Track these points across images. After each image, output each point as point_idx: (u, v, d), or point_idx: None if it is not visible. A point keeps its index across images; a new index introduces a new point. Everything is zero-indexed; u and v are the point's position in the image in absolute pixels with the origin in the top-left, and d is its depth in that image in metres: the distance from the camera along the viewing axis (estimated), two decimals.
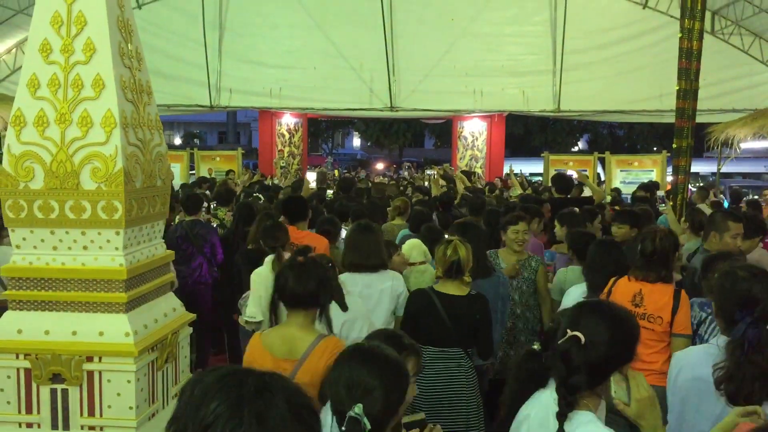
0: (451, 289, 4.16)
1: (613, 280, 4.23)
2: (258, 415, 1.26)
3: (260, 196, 9.30)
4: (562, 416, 2.14)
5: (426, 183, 14.79)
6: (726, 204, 12.02)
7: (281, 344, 3.15)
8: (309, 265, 3.18)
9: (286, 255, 4.26)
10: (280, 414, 1.27)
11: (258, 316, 4.66)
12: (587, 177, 11.50)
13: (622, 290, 4.11)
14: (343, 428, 1.93)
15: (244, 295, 5.14)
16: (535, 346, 2.39)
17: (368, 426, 1.94)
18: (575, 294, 4.56)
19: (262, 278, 4.72)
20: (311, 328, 3.19)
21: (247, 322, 4.79)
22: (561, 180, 8.64)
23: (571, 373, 2.16)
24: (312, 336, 3.14)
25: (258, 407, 1.27)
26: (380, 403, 2.04)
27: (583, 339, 2.16)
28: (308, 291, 3.12)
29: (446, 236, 4.95)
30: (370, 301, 4.39)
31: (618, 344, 2.20)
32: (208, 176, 16.08)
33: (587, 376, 2.15)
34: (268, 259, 4.83)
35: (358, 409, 1.95)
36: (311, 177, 14.52)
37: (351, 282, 4.25)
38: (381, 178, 21.45)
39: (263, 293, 4.52)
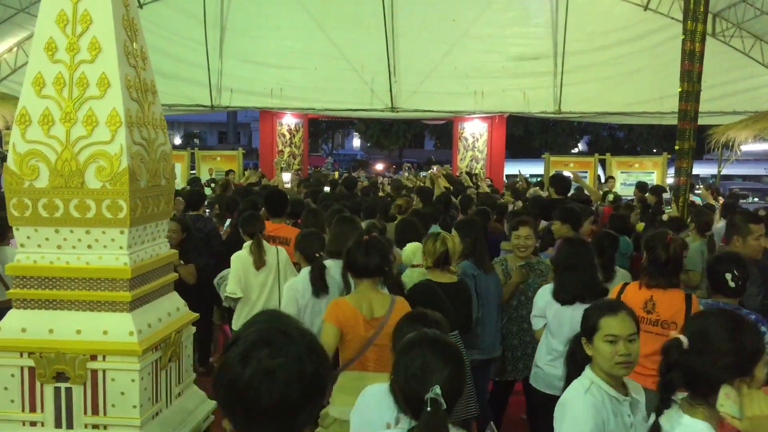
0: (442, 277, 4.48)
1: (621, 286, 4.20)
2: None
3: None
4: (659, 411, 2.24)
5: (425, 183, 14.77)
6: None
7: (366, 306, 3.71)
8: (374, 242, 3.81)
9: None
10: None
11: (238, 292, 5.35)
12: (583, 178, 11.50)
13: (632, 297, 4.05)
14: (427, 408, 2.04)
15: (219, 275, 5.82)
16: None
17: (445, 406, 2.05)
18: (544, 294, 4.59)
19: (241, 260, 5.40)
20: (382, 292, 3.81)
21: (227, 297, 5.42)
22: (559, 181, 8.59)
23: (669, 371, 2.23)
24: (386, 298, 3.78)
25: None
26: (453, 386, 2.14)
27: (685, 343, 2.21)
28: (375, 263, 3.74)
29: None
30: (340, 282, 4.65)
31: (732, 355, 2.16)
32: (209, 176, 16.09)
33: (691, 380, 2.20)
34: (247, 244, 5.45)
35: (437, 389, 2.05)
36: (286, 177, 14.64)
37: (333, 267, 4.50)
38: (381, 179, 21.41)
39: (242, 273, 5.32)
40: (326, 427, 3.29)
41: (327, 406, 3.26)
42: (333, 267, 4.54)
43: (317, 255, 4.56)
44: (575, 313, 4.19)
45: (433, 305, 3.93)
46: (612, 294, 4.18)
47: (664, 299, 3.96)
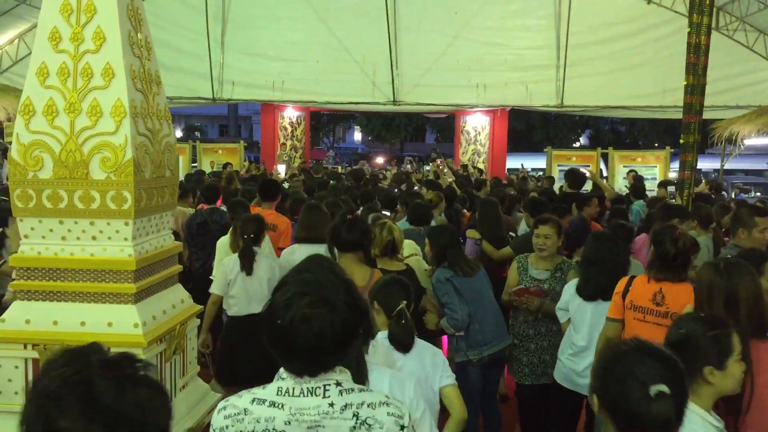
0: (391, 265, 4.57)
1: (628, 279, 4.18)
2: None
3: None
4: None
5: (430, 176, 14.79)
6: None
7: (355, 274, 3.88)
8: (356, 221, 4.28)
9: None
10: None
11: (217, 290, 5.24)
12: (595, 174, 11.64)
13: (640, 290, 4.05)
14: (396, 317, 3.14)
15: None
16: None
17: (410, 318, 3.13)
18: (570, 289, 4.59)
19: (223, 244, 5.74)
20: (362, 264, 4.17)
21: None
22: (574, 176, 8.91)
23: None
24: (367, 270, 4.14)
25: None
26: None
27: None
28: (355, 238, 4.16)
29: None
30: None
31: None
32: (210, 168, 16.07)
33: None
34: (231, 230, 5.66)
35: (403, 304, 3.18)
36: (281, 168, 14.94)
37: (299, 251, 5.00)
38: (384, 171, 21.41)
39: (223, 256, 5.45)
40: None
41: None
42: (298, 251, 5.01)
43: (245, 237, 4.97)
44: (597, 309, 4.30)
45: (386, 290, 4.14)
46: (620, 287, 4.14)
47: (673, 292, 3.94)
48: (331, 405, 1.88)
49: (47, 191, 3.25)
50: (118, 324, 3.22)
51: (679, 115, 8.50)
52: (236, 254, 5.00)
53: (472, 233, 6.83)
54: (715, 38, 12.65)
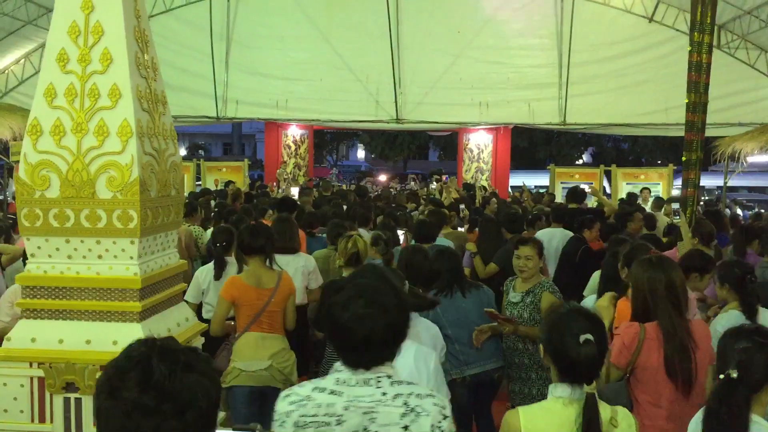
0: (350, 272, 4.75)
1: (612, 298, 4.12)
2: None
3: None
4: None
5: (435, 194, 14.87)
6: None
7: (255, 280, 4.47)
8: (260, 227, 4.73)
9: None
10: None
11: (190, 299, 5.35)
12: (597, 191, 12.13)
13: (627, 310, 3.90)
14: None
15: None
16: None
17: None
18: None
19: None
20: (270, 269, 4.59)
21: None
22: (574, 193, 9.63)
23: None
24: (274, 273, 4.57)
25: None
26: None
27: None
28: (259, 243, 4.52)
29: None
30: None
31: None
32: (215, 187, 16.13)
33: None
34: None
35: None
36: (294, 191, 15.09)
37: (280, 261, 5.16)
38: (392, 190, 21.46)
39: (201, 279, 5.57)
40: (235, 376, 4.24)
41: (234, 362, 4.27)
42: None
43: (217, 245, 5.48)
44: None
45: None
46: (609, 311, 3.98)
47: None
48: (384, 394, 2.13)
49: (54, 210, 3.28)
50: (123, 342, 3.19)
51: (681, 133, 8.53)
52: (211, 263, 5.46)
53: (470, 246, 7.15)
54: (717, 56, 12.72)
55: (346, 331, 2.14)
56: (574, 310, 2.65)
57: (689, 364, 3.20)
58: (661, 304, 3.34)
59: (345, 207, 9.16)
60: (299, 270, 5.53)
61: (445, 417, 2.17)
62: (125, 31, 3.30)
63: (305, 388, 2.20)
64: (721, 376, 2.47)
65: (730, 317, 4.04)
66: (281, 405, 2.18)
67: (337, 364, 2.21)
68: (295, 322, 4.74)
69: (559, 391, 2.49)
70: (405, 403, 2.13)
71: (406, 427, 2.12)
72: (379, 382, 2.15)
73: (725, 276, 4.28)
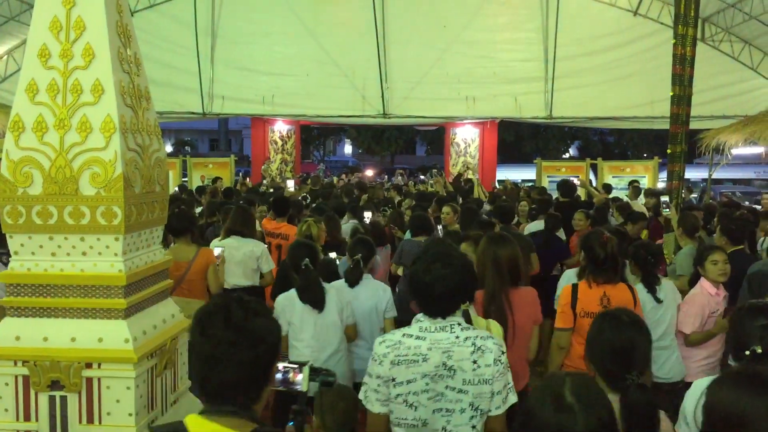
0: None
1: (571, 288, 4.38)
2: None
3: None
4: None
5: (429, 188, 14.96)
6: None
7: (177, 254, 5.23)
8: (183, 212, 5.56)
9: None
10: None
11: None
12: (586, 183, 12.63)
13: (588, 296, 4.31)
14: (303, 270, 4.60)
15: None
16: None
17: (312, 269, 4.64)
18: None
19: (214, 245, 6.60)
20: (191, 244, 5.59)
21: None
22: (565, 186, 9.91)
23: None
24: (194, 248, 5.58)
25: None
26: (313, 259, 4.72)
27: None
28: (184, 225, 5.46)
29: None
30: (236, 258, 6.20)
31: None
32: (201, 183, 16.06)
33: None
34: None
35: (307, 261, 4.60)
36: (290, 184, 15.13)
37: (231, 244, 6.23)
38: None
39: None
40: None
41: None
42: (227, 243, 6.25)
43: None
44: None
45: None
46: (566, 298, 4.36)
47: (615, 293, 4.25)
48: (457, 337, 2.76)
49: (37, 207, 3.25)
50: (108, 339, 3.21)
51: (666, 126, 8.60)
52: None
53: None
54: (701, 49, 12.79)
55: (428, 288, 2.74)
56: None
57: (506, 323, 3.90)
58: (487, 274, 4.04)
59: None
60: (247, 254, 6.19)
61: (503, 352, 2.79)
62: (107, 26, 3.26)
63: (396, 335, 2.81)
64: (747, 353, 2.72)
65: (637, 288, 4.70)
66: (379, 348, 2.79)
67: (419, 315, 2.83)
68: (218, 287, 5.61)
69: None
70: (473, 344, 2.76)
71: (475, 362, 2.73)
72: (452, 328, 2.78)
73: (634, 255, 5.00)
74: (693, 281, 5.36)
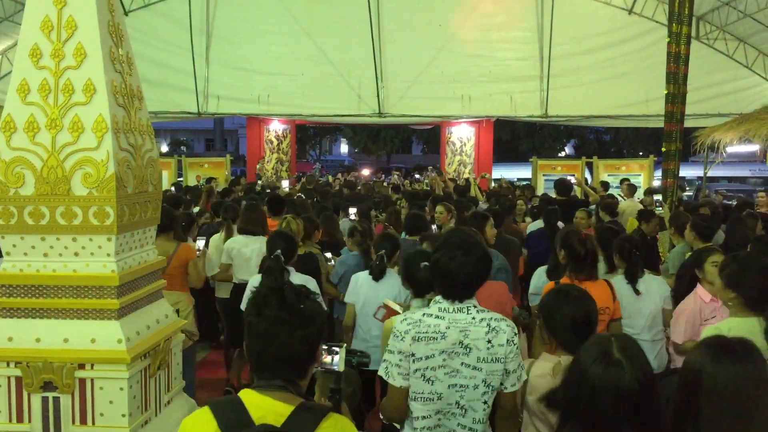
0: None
1: (554, 284, 4.38)
2: None
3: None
4: None
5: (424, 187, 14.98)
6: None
7: (161, 249, 4.95)
8: (166, 209, 5.12)
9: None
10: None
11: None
12: (583, 182, 12.97)
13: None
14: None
15: None
16: None
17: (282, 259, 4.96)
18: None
19: (215, 241, 7.08)
20: (172, 240, 5.72)
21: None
22: (562, 185, 10.20)
23: None
24: (174, 244, 5.72)
25: None
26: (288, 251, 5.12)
27: None
28: (165, 222, 5.07)
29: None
30: (245, 254, 6.45)
31: None
32: (196, 182, 16.04)
33: None
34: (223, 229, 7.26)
35: (278, 252, 4.94)
36: (285, 184, 15.18)
37: (240, 241, 6.56)
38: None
39: (214, 251, 6.83)
40: None
41: None
42: (239, 241, 6.56)
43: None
44: None
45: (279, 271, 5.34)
46: (545, 292, 4.33)
47: (594, 289, 4.18)
48: (473, 318, 2.98)
49: (29, 208, 3.24)
50: (101, 340, 3.20)
51: (661, 124, 8.60)
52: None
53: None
54: (696, 47, 12.79)
55: (450, 274, 2.97)
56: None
57: None
58: None
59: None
60: (255, 251, 6.37)
61: (515, 333, 3.02)
62: (99, 25, 3.25)
63: (416, 314, 3.03)
64: None
65: (617, 282, 4.87)
66: (401, 326, 3.00)
67: (438, 297, 3.06)
68: (200, 281, 5.90)
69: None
70: (488, 325, 2.97)
71: (489, 341, 2.95)
72: (468, 310, 3.00)
73: (619, 248, 5.15)
74: (680, 279, 5.39)
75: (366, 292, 5.17)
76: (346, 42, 18.30)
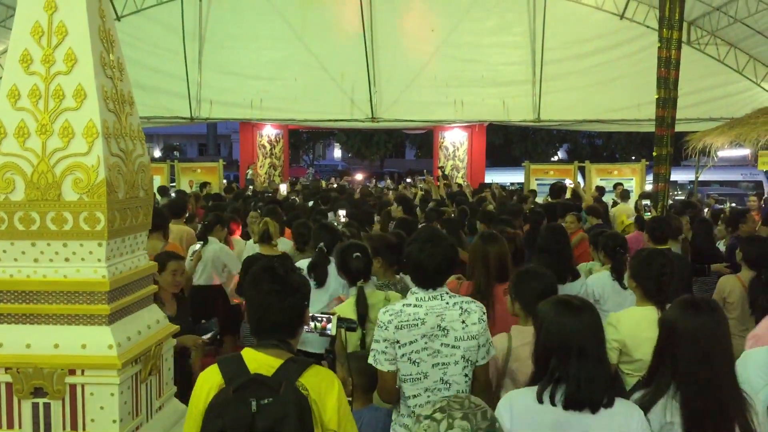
0: (269, 250, 6.21)
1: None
2: None
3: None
4: None
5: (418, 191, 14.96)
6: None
7: (150, 247, 5.07)
8: (156, 210, 5.36)
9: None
10: None
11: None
12: (579, 185, 12.99)
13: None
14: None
15: None
16: None
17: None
18: None
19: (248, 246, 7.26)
20: (162, 240, 6.11)
21: None
22: (553, 189, 10.67)
23: None
24: (161, 243, 6.06)
25: None
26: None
27: None
28: (156, 223, 5.20)
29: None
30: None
31: None
32: (189, 188, 16.01)
33: None
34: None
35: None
36: (283, 188, 15.15)
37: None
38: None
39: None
40: None
41: None
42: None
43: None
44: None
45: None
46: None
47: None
48: (447, 303, 3.34)
49: (19, 213, 3.23)
50: (92, 346, 3.19)
51: (653, 128, 8.63)
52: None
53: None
54: (687, 52, 12.87)
55: (422, 264, 3.32)
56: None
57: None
58: (476, 269, 4.44)
59: None
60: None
61: (484, 312, 3.38)
62: (89, 31, 3.25)
63: (396, 305, 3.36)
64: None
65: (603, 276, 5.32)
66: (384, 317, 3.32)
67: (414, 288, 3.40)
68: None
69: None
70: (461, 307, 3.33)
71: (463, 321, 3.30)
72: (442, 297, 3.35)
73: (604, 246, 5.49)
74: None
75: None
76: (338, 47, 18.33)
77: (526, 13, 18.20)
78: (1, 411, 3.21)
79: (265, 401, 2.33)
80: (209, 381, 2.52)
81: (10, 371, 3.18)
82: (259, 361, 2.48)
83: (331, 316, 3.36)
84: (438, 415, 2.11)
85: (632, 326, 3.85)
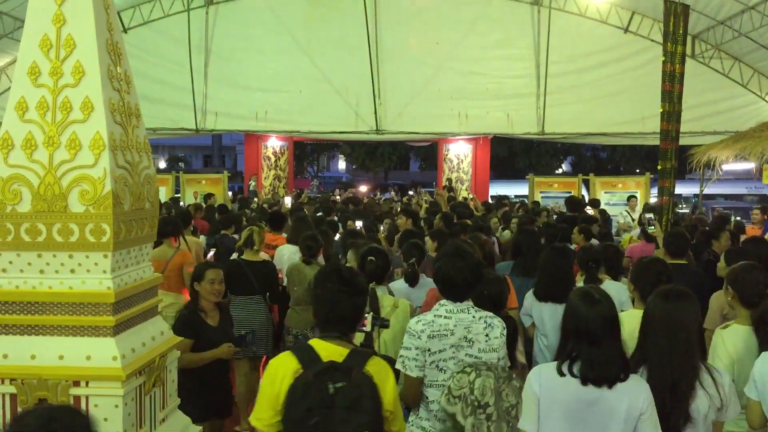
0: (253, 256, 6.44)
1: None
2: None
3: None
4: None
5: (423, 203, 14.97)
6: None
7: (160, 255, 6.18)
8: (167, 219, 6.37)
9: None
10: None
11: None
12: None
13: None
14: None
15: None
16: None
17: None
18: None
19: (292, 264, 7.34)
20: (172, 246, 6.59)
21: None
22: (570, 202, 11.12)
23: None
24: (172, 249, 6.58)
25: None
26: None
27: None
28: (168, 230, 6.37)
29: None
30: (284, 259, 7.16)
31: None
32: (194, 199, 16.04)
33: None
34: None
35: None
36: (287, 200, 15.19)
37: (286, 248, 7.39)
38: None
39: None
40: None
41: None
42: (286, 248, 7.40)
43: None
44: (555, 309, 5.03)
45: (237, 276, 6.18)
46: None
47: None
48: (473, 317, 3.55)
49: (26, 225, 3.24)
50: (96, 357, 3.20)
51: (657, 142, 8.64)
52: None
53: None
54: (692, 66, 12.91)
55: (451, 279, 3.54)
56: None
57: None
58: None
59: None
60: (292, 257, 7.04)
61: (505, 327, 3.61)
62: (97, 44, 3.28)
63: (428, 316, 3.54)
64: None
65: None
66: (416, 326, 3.50)
67: (443, 301, 3.59)
68: None
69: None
70: (485, 322, 3.54)
71: (487, 335, 3.52)
72: (468, 310, 3.56)
73: (579, 258, 5.65)
74: None
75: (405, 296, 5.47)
76: (343, 59, 18.40)
77: (530, 27, 18.27)
78: (6, 422, 3.21)
79: (340, 384, 2.58)
80: (284, 366, 2.75)
81: (14, 382, 3.19)
82: (329, 350, 2.77)
83: (367, 315, 3.55)
84: (468, 369, 3.24)
85: (631, 331, 3.86)
